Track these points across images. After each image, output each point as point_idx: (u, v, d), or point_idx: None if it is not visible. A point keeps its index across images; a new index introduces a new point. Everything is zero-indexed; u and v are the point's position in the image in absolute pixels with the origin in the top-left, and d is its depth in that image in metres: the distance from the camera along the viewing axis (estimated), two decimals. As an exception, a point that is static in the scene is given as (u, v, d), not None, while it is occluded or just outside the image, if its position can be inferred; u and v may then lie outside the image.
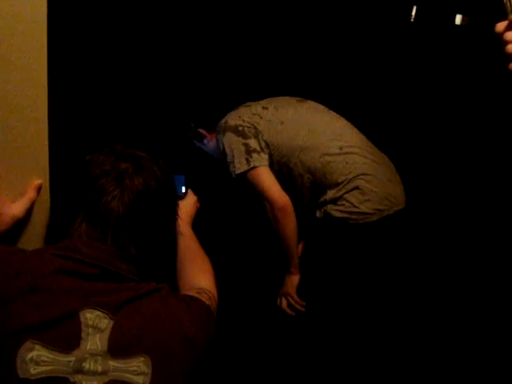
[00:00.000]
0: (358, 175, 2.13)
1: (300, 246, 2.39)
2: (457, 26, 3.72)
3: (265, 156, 2.15)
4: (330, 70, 3.16)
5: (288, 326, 2.38)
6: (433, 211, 2.82)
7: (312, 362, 2.32)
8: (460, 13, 3.69)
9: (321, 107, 2.31)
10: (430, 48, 3.58)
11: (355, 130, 2.28)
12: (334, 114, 2.30)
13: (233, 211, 2.95)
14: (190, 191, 1.69)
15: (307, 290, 2.28)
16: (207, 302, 1.23)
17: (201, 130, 2.36)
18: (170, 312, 1.08)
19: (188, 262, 1.45)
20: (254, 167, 2.12)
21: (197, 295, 1.24)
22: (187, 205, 1.63)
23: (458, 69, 3.54)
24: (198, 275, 1.39)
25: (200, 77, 2.98)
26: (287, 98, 2.37)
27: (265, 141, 2.16)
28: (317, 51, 3.10)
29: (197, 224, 1.66)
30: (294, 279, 2.25)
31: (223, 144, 2.20)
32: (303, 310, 2.27)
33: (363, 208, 2.12)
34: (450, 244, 2.84)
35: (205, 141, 2.38)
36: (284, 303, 2.29)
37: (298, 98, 2.35)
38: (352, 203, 2.12)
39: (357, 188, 2.12)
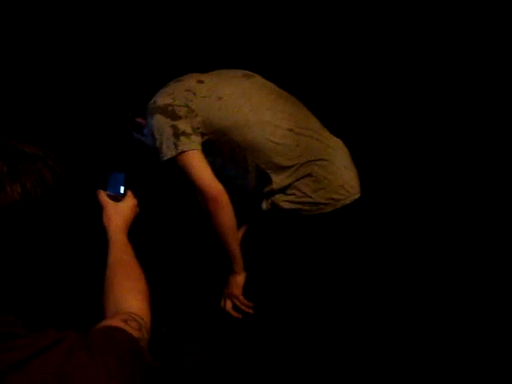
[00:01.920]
0: (310, 160, 1.87)
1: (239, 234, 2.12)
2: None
3: (196, 139, 1.85)
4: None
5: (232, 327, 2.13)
6: (388, 200, 2.59)
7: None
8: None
9: (269, 84, 2.03)
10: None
11: (307, 112, 2.01)
12: (284, 92, 2.03)
13: (173, 210, 2.64)
14: (129, 193, 1.42)
15: (255, 288, 2.03)
16: (135, 334, 0.94)
17: (139, 120, 2.03)
18: (76, 373, 0.78)
19: (116, 279, 1.18)
20: (182, 152, 1.82)
21: (122, 325, 0.95)
22: (124, 208, 1.37)
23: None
24: (128, 296, 1.13)
25: (132, 62, 2.63)
26: (231, 70, 2.06)
27: (200, 120, 1.86)
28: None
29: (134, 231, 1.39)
30: (239, 279, 1.98)
31: (151, 127, 1.89)
32: (251, 311, 2.01)
33: (316, 198, 1.87)
34: (409, 236, 2.62)
35: (144, 131, 2.04)
36: (229, 305, 2.02)
37: (245, 72, 2.05)
38: (304, 192, 1.87)
39: (309, 175, 1.86)
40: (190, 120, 1.85)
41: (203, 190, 1.83)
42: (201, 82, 1.93)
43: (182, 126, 1.84)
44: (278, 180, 1.88)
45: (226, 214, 1.86)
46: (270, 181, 1.90)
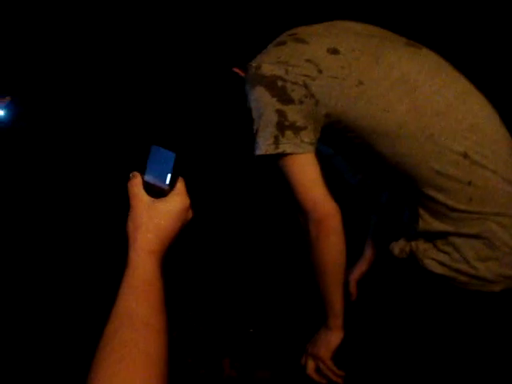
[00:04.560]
0: (486, 213, 1.20)
1: (353, 283, 1.54)
2: None
3: (308, 137, 1.22)
4: None
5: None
6: None
7: None
8: None
9: (445, 65, 1.31)
10: None
11: (495, 117, 1.29)
12: (463, 79, 1.31)
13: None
14: (179, 185, 0.84)
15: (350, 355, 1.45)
16: None
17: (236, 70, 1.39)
18: None
19: (114, 355, 0.66)
20: (284, 154, 1.21)
21: None
22: (166, 212, 0.82)
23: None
24: None
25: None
26: (380, 32, 1.34)
27: (321, 112, 1.22)
28: None
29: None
30: (332, 338, 1.39)
31: (250, 99, 1.26)
32: (340, 381, 1.44)
33: (482, 270, 1.21)
34: None
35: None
36: (311, 366, 1.45)
37: (405, 40, 1.34)
38: (465, 257, 1.21)
39: (479, 236, 1.20)
40: (306, 108, 1.21)
41: (306, 207, 1.24)
42: (334, 51, 1.23)
43: (293, 114, 1.20)
44: (430, 220, 1.24)
45: (333, 245, 1.26)
46: (415, 216, 1.27)
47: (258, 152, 1.24)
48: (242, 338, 2.28)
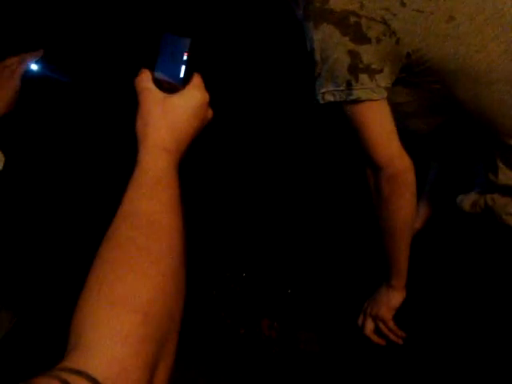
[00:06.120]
0: None
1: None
2: None
3: (384, 80, 1.10)
4: None
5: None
6: None
7: None
8: None
9: None
10: None
11: None
12: None
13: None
14: (197, 77, 0.73)
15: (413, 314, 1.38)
16: None
17: None
18: None
19: (113, 256, 0.56)
20: (358, 101, 1.10)
21: None
22: (181, 108, 0.70)
23: None
24: (118, 309, 0.50)
25: None
26: None
27: (402, 51, 1.10)
28: None
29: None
30: (395, 298, 1.32)
31: (312, 40, 1.12)
32: (400, 342, 1.37)
33: None
34: None
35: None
36: (370, 327, 1.39)
37: None
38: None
39: None
40: (384, 48, 1.09)
41: (381, 162, 1.13)
42: None
43: (368, 56, 1.08)
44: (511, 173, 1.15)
45: (406, 204, 1.17)
46: (494, 169, 1.17)
47: (328, 98, 1.13)
48: (280, 298, 2.23)
